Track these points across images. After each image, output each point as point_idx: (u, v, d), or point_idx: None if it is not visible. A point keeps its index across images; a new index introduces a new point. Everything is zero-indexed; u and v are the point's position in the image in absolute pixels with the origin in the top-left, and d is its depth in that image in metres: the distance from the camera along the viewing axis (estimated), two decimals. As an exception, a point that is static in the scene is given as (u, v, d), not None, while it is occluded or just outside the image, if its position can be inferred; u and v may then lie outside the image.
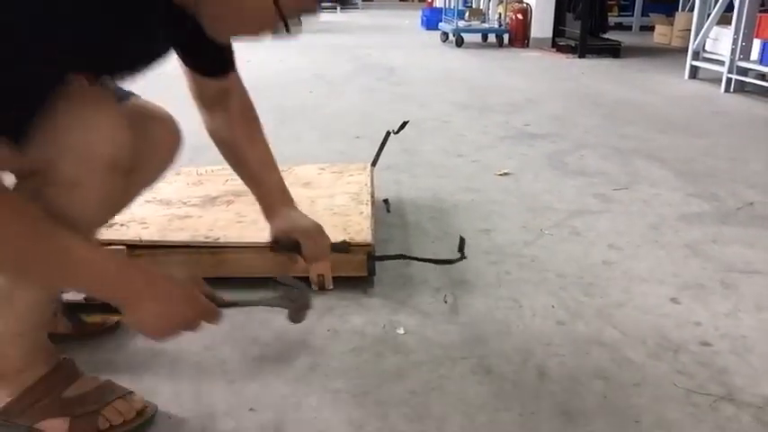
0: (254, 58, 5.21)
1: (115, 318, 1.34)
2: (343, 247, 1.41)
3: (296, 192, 1.36)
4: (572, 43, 6.51)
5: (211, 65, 1.16)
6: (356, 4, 14.92)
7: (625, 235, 1.93)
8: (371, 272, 1.55)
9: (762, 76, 4.31)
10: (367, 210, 1.70)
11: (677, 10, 7.63)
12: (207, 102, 1.21)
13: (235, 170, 1.28)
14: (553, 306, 1.50)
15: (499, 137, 3.12)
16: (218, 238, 1.52)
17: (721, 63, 4.53)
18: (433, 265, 1.65)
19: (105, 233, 1.39)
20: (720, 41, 4.78)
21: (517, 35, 7.24)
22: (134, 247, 1.49)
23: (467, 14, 8.00)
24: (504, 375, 1.24)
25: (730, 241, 1.89)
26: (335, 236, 1.50)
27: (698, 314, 1.47)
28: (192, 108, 1.22)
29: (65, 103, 0.83)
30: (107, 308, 0.97)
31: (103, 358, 1.27)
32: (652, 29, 8.16)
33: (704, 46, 4.94)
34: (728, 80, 4.42)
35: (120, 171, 0.91)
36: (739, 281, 1.64)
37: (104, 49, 0.83)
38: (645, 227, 1.99)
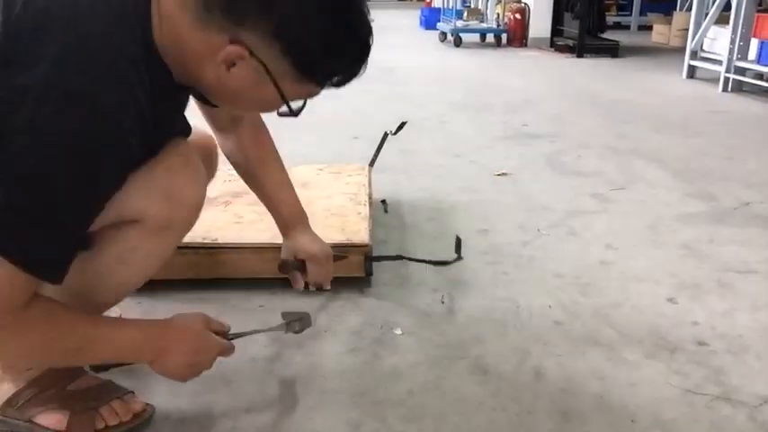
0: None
1: None
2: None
3: (294, 192, 1.36)
4: (570, 43, 6.52)
5: None
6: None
7: (622, 235, 1.93)
8: (369, 272, 1.55)
9: (759, 76, 4.32)
10: (365, 210, 1.71)
11: (675, 9, 7.65)
12: (219, 125, 1.25)
13: (251, 190, 1.33)
14: (550, 306, 1.50)
15: (497, 137, 3.12)
16: (216, 239, 1.52)
17: (719, 63, 4.53)
18: (430, 265, 1.65)
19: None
20: (718, 41, 4.79)
21: (515, 35, 7.24)
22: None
23: (465, 14, 7.99)
24: (501, 375, 1.24)
25: (727, 241, 1.90)
26: (333, 236, 1.51)
27: (694, 314, 1.48)
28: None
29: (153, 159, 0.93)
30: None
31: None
32: (650, 28, 8.16)
33: (702, 45, 4.94)
34: (726, 80, 4.42)
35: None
36: (736, 281, 1.64)
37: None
38: (642, 227, 2.00)
